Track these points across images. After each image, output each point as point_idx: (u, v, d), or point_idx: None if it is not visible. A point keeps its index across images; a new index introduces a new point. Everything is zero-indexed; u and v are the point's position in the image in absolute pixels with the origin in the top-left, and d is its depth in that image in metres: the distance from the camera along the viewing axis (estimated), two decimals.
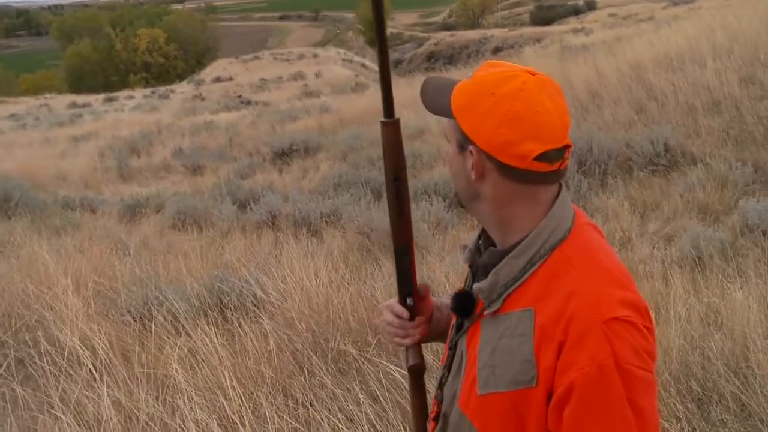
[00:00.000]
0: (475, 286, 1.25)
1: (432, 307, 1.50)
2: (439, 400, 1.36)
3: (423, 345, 1.50)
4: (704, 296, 3.86)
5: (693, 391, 2.94)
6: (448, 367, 1.35)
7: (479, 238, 1.35)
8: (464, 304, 1.29)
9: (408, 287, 1.42)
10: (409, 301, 1.42)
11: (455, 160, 1.24)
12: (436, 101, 1.25)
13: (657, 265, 4.50)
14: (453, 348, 1.33)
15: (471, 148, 1.19)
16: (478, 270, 1.33)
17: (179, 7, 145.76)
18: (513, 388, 1.15)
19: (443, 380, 1.36)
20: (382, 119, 1.35)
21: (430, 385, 1.56)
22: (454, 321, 1.38)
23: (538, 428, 1.14)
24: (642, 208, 6.33)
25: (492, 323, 1.22)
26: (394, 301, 1.45)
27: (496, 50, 44.27)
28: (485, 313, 1.23)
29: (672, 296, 3.80)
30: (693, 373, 3.03)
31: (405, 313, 1.43)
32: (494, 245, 1.29)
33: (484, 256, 1.29)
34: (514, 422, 1.16)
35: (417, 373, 1.47)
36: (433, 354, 3.08)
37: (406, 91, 17.67)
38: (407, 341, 1.45)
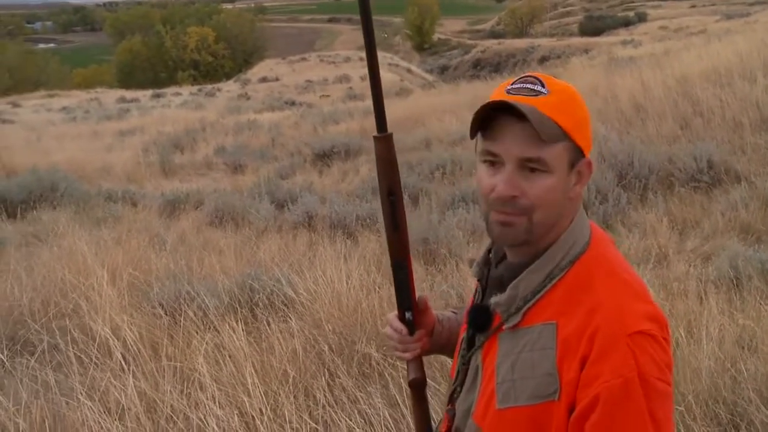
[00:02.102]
0: (493, 300, 1.24)
1: (433, 320, 1.50)
2: (451, 414, 1.35)
3: (430, 357, 1.51)
4: (739, 318, 3.77)
5: (719, 417, 2.87)
6: (460, 382, 1.35)
7: (489, 252, 1.35)
8: (481, 318, 1.28)
9: (407, 302, 1.42)
10: (408, 315, 1.43)
11: (561, 186, 1.18)
12: (549, 130, 1.14)
13: (692, 283, 4.41)
14: (466, 363, 1.32)
15: (583, 161, 1.20)
16: (488, 284, 1.33)
17: (229, 6, 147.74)
18: (534, 402, 1.14)
19: (455, 395, 1.36)
20: (375, 134, 1.34)
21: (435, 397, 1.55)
22: (463, 336, 1.37)
23: None
24: (681, 225, 6.21)
25: (511, 337, 1.21)
26: (393, 315, 1.46)
27: (543, 60, 43.89)
28: (504, 327, 1.22)
29: (705, 316, 3.72)
30: (722, 397, 2.96)
31: (403, 329, 1.43)
32: (505, 258, 1.29)
33: (499, 269, 1.29)
34: None
35: (418, 386, 1.48)
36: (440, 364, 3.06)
37: (450, 97, 17.72)
38: (407, 355, 1.46)
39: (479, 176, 1.22)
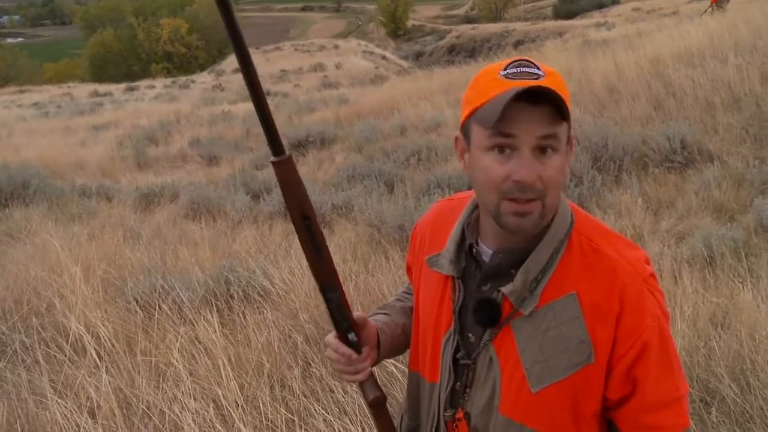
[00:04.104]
0: (506, 289, 1.22)
1: (375, 331, 1.44)
2: (467, 418, 1.31)
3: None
4: (713, 296, 3.81)
5: (690, 395, 2.89)
6: (467, 382, 1.30)
7: (470, 247, 1.31)
8: (490, 312, 1.24)
9: (345, 323, 1.35)
10: (351, 336, 1.36)
11: (564, 164, 1.20)
12: (565, 108, 1.15)
13: (667, 263, 4.44)
14: (474, 362, 1.28)
15: (572, 139, 1.23)
16: (468, 278, 1.31)
17: None
18: (571, 372, 1.18)
19: (462, 398, 1.31)
20: (272, 159, 1.22)
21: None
22: (446, 335, 1.32)
23: (593, 403, 1.21)
24: (656, 206, 6.26)
25: (528, 321, 1.22)
26: (333, 338, 1.38)
27: (518, 44, 43.89)
28: (523, 312, 1.21)
29: (680, 295, 3.75)
30: (694, 376, 2.99)
31: (352, 353, 1.37)
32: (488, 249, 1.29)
33: (496, 258, 1.26)
34: (571, 409, 1.21)
35: (380, 405, 1.42)
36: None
37: (425, 83, 17.66)
38: (359, 377, 1.40)
39: (486, 166, 1.17)
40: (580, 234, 1.24)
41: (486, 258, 1.29)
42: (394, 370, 3.04)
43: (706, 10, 17.39)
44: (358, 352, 1.37)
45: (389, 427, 1.44)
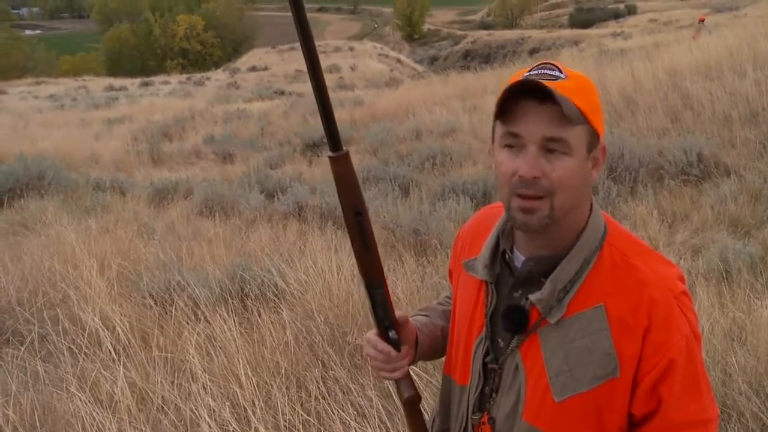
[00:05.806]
0: (534, 297, 1.23)
1: (414, 331, 1.46)
2: (491, 422, 1.32)
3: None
4: (729, 311, 3.79)
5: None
6: (494, 387, 1.32)
7: (503, 253, 1.33)
8: (517, 319, 1.25)
9: (388, 320, 1.37)
10: (392, 334, 1.37)
11: (580, 169, 1.19)
12: (571, 109, 1.15)
13: None
14: (500, 367, 1.29)
15: (599, 146, 1.23)
16: (503, 284, 1.31)
17: None
18: (595, 384, 1.18)
19: (489, 402, 1.32)
20: (329, 154, 1.26)
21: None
22: (478, 339, 1.34)
23: (618, 418, 1.19)
24: (671, 218, 6.23)
25: (555, 330, 1.22)
26: (374, 335, 1.40)
27: (533, 51, 43.89)
28: (550, 321, 1.22)
29: (696, 309, 3.73)
30: (713, 391, 2.97)
31: (391, 350, 1.38)
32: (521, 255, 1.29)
33: (527, 266, 1.27)
34: (594, 420, 1.19)
35: (413, 404, 1.43)
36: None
37: (440, 88, 17.67)
38: (396, 375, 1.41)
39: (499, 161, 1.20)
40: (612, 246, 1.23)
41: (519, 264, 1.30)
42: (422, 373, 3.03)
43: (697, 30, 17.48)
44: (398, 350, 1.39)
45: (421, 427, 1.45)
